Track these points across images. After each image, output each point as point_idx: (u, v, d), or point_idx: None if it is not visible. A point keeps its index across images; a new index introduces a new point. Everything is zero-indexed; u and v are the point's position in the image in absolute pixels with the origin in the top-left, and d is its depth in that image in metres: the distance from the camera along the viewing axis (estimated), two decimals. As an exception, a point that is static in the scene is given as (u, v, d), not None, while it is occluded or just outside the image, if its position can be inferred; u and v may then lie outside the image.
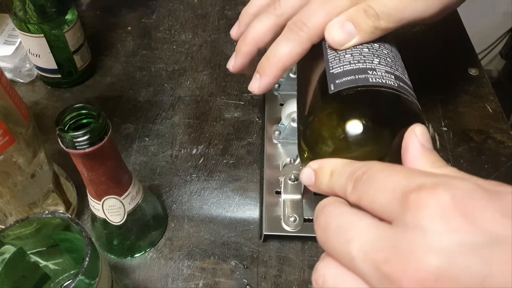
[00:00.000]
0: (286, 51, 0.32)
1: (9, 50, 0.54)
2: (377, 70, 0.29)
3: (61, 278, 0.36)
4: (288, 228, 0.40)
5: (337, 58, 0.31)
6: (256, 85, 0.34)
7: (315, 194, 0.41)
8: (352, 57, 0.31)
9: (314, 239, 0.31)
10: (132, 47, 0.60)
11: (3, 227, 0.35)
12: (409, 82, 0.31)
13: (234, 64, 0.37)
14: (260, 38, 0.35)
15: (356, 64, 0.30)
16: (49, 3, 0.47)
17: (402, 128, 0.25)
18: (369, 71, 0.29)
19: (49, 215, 0.29)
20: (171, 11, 0.65)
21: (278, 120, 0.47)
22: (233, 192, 0.45)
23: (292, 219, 0.40)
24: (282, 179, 0.42)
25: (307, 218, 0.40)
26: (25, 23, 0.48)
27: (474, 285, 0.16)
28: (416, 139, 0.23)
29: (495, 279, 0.16)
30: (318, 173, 0.25)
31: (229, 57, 0.56)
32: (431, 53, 0.58)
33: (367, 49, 0.31)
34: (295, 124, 0.43)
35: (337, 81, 0.29)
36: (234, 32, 0.39)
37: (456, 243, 0.17)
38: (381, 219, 0.20)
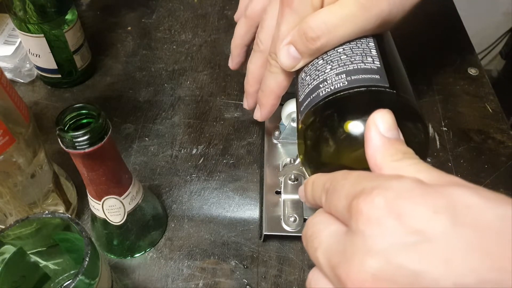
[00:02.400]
0: (273, 83, 0.36)
1: (9, 50, 0.54)
2: (328, 78, 0.30)
3: (61, 278, 0.36)
4: (288, 228, 0.40)
5: (301, 82, 0.33)
6: (258, 115, 0.39)
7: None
8: (310, 76, 0.32)
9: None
10: (132, 47, 0.60)
11: (3, 227, 0.35)
12: (376, 64, 0.30)
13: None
14: (258, 77, 0.39)
15: (312, 83, 0.31)
16: (49, 3, 0.47)
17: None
18: (320, 85, 0.30)
19: (49, 215, 0.29)
20: (171, 11, 0.65)
21: (278, 120, 0.47)
22: (233, 192, 0.45)
23: (292, 219, 0.40)
24: (282, 179, 0.42)
25: (307, 218, 0.40)
26: (25, 23, 0.48)
27: (409, 282, 0.17)
28: (374, 130, 0.23)
29: (428, 274, 0.16)
30: (305, 186, 0.27)
31: (229, 57, 0.56)
32: (431, 53, 0.58)
33: (322, 60, 0.32)
34: (295, 124, 0.43)
35: (301, 109, 0.31)
36: (230, 64, 0.44)
37: (389, 244, 0.17)
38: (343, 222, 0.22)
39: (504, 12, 1.29)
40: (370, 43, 0.32)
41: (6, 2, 0.47)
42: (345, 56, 0.30)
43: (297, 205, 0.41)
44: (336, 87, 0.29)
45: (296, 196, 0.41)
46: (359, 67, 0.30)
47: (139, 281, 0.39)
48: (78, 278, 0.26)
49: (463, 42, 0.60)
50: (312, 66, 0.32)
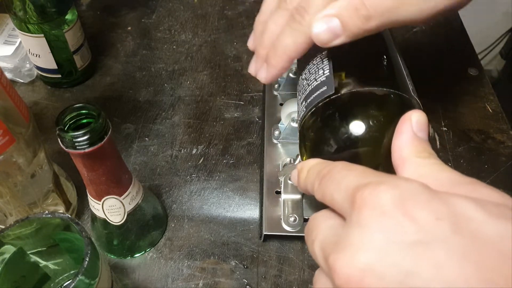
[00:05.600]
0: (291, 42, 0.31)
1: (9, 50, 0.54)
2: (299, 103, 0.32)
3: (61, 278, 0.36)
4: (288, 228, 0.40)
5: (300, 87, 0.33)
6: (263, 75, 0.34)
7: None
8: (307, 81, 0.32)
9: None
10: (132, 47, 0.60)
11: (3, 227, 0.35)
12: (326, 74, 0.32)
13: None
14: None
15: (307, 89, 0.32)
16: (49, 3, 0.47)
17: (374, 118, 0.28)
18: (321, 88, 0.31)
19: (49, 215, 0.29)
20: (171, 11, 0.65)
21: (278, 120, 0.47)
22: (233, 192, 0.45)
23: (292, 219, 0.40)
24: (282, 179, 0.42)
25: (307, 218, 0.40)
26: (25, 23, 0.48)
27: (398, 281, 0.17)
28: (410, 126, 0.23)
29: (418, 276, 0.16)
30: (299, 172, 0.27)
31: (229, 57, 0.56)
32: (431, 53, 0.58)
33: (315, 66, 0.33)
34: (295, 124, 0.43)
35: (301, 109, 0.32)
36: (251, 43, 0.37)
37: (387, 241, 0.17)
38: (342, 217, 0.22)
39: (504, 12, 1.29)
40: (323, 52, 0.33)
41: (6, 2, 0.47)
42: (306, 81, 0.33)
43: (297, 205, 0.41)
44: (301, 115, 0.31)
45: (296, 196, 0.41)
46: (312, 86, 0.31)
47: (139, 281, 0.39)
48: (78, 278, 0.26)
49: (463, 42, 0.60)
50: (309, 71, 0.33)
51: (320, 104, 0.31)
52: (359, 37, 0.29)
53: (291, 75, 0.50)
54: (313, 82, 0.33)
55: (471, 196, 0.18)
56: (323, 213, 0.23)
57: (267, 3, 0.35)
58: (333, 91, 0.30)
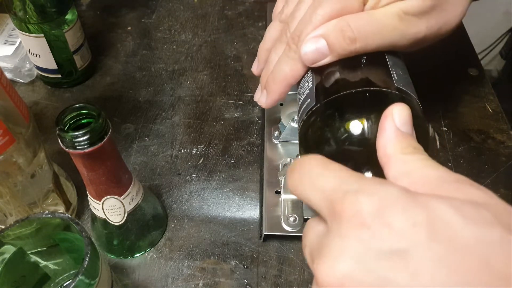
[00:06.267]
0: (288, 69, 0.33)
1: (9, 50, 0.54)
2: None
3: (61, 278, 0.36)
4: (288, 228, 0.40)
5: (301, 85, 0.34)
6: (263, 100, 0.36)
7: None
8: (299, 95, 0.33)
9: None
10: (132, 47, 0.60)
11: (3, 227, 0.35)
12: (309, 86, 0.32)
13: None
14: (272, 47, 0.36)
15: (300, 101, 0.33)
16: (49, 3, 0.47)
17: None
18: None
19: (49, 215, 0.29)
20: (171, 11, 0.65)
21: (278, 120, 0.47)
22: (233, 192, 0.45)
23: (292, 219, 0.40)
24: (282, 179, 0.42)
25: (307, 218, 0.40)
26: (25, 23, 0.48)
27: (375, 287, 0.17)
28: (390, 121, 0.23)
29: (395, 283, 0.17)
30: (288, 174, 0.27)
31: (229, 57, 0.56)
32: (431, 53, 0.58)
33: (304, 79, 0.33)
34: (295, 124, 0.43)
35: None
36: (255, 68, 0.40)
37: (365, 249, 0.18)
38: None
39: (504, 12, 1.29)
40: None
41: (6, 2, 0.47)
42: (298, 96, 0.33)
43: (297, 205, 0.41)
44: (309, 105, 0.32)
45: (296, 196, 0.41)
46: (301, 100, 0.32)
47: (139, 281, 0.39)
48: (78, 278, 0.26)
49: (463, 42, 0.60)
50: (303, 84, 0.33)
51: (305, 117, 0.32)
52: (346, 57, 0.30)
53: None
54: (301, 96, 0.33)
55: (455, 195, 0.18)
56: (313, 219, 0.23)
57: (269, 32, 0.37)
58: (315, 103, 0.31)
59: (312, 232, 0.22)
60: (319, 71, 0.33)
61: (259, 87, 0.37)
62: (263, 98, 0.36)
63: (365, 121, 0.28)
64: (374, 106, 0.28)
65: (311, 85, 0.32)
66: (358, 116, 0.28)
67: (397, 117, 0.23)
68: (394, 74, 0.30)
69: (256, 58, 0.39)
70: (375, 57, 0.31)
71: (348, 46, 0.29)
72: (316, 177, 0.21)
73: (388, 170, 0.22)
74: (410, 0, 0.29)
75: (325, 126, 0.29)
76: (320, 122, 0.30)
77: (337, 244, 0.19)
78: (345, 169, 0.21)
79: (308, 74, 0.34)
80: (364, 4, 0.30)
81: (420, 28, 0.30)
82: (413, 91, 0.31)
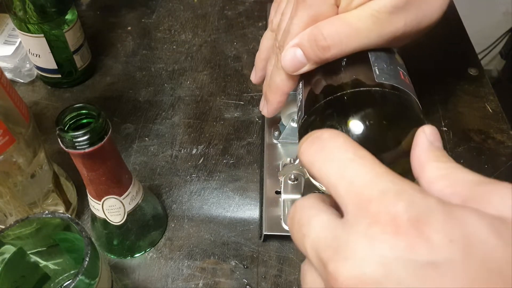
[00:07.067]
0: (279, 80, 0.35)
1: (9, 50, 0.54)
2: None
3: (61, 278, 0.36)
4: (288, 228, 0.40)
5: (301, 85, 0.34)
6: (265, 111, 0.39)
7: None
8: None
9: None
10: (132, 47, 0.60)
11: (3, 227, 0.35)
12: (300, 99, 0.33)
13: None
14: (266, 56, 0.38)
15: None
16: (49, 3, 0.47)
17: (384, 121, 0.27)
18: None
19: (49, 215, 0.29)
20: (171, 11, 0.65)
21: (278, 120, 0.47)
22: (233, 192, 0.45)
23: (292, 219, 0.40)
24: (282, 179, 0.42)
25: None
26: (25, 23, 0.48)
27: None
28: (425, 137, 0.23)
29: None
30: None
31: (229, 57, 0.56)
32: (431, 53, 0.58)
33: (297, 89, 0.34)
34: (295, 124, 0.43)
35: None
36: (253, 77, 0.42)
37: (396, 258, 0.17)
38: (335, 203, 0.20)
39: (504, 12, 1.29)
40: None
41: (6, 2, 0.47)
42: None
43: (297, 205, 0.41)
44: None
45: (296, 196, 0.41)
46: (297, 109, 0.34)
47: (139, 281, 0.39)
48: (78, 278, 0.26)
49: (463, 42, 0.60)
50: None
51: (299, 129, 0.32)
52: (323, 64, 0.31)
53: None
54: (297, 107, 0.34)
55: (490, 198, 0.18)
56: (312, 203, 0.21)
57: (263, 41, 0.39)
58: (303, 114, 0.31)
59: (317, 221, 0.20)
60: (306, 80, 0.34)
61: (263, 97, 0.40)
62: (264, 108, 0.39)
63: (344, 127, 0.28)
64: (352, 108, 0.28)
65: (300, 97, 0.33)
66: (338, 122, 0.28)
67: (429, 134, 0.23)
68: (376, 70, 0.30)
69: (254, 67, 0.42)
70: (356, 58, 0.31)
71: (323, 54, 0.30)
72: (346, 163, 0.20)
73: (422, 177, 0.21)
74: None
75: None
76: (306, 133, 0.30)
77: (365, 246, 0.18)
78: (380, 164, 0.20)
79: (299, 85, 0.34)
80: (338, 6, 0.30)
81: (397, 25, 0.29)
82: (401, 82, 0.30)
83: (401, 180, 0.19)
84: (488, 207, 0.18)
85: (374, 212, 0.18)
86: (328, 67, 0.31)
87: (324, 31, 0.30)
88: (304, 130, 0.31)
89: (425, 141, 0.23)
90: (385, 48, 0.32)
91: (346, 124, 0.28)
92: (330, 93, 0.30)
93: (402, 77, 0.31)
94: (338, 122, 0.28)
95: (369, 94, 0.28)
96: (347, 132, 0.28)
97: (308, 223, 0.20)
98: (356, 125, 0.27)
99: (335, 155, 0.20)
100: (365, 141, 0.27)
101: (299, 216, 0.21)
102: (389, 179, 0.19)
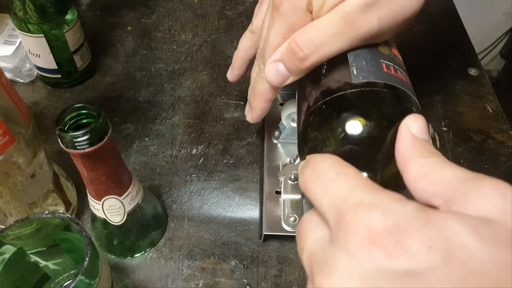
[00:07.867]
0: (262, 88, 0.35)
1: (9, 50, 0.54)
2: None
3: (61, 278, 0.36)
4: (288, 228, 0.40)
5: (300, 86, 0.34)
6: (249, 117, 0.39)
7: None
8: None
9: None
10: (132, 47, 0.60)
11: (3, 227, 0.35)
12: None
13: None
14: (244, 56, 0.40)
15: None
16: (49, 3, 0.47)
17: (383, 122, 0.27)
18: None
19: (49, 215, 0.29)
20: (171, 11, 0.65)
21: (278, 120, 0.47)
22: (233, 192, 0.45)
23: (292, 219, 0.40)
24: (282, 179, 0.42)
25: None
26: (25, 23, 0.48)
27: None
28: (407, 129, 0.23)
29: None
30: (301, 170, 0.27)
31: (229, 57, 0.56)
32: (431, 53, 0.58)
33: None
34: (295, 124, 0.43)
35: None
36: (229, 75, 0.43)
37: (375, 270, 0.17)
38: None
39: (504, 12, 1.29)
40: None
41: (6, 2, 0.47)
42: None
43: (297, 205, 0.41)
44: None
45: (296, 196, 0.41)
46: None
47: (139, 281, 0.39)
48: (78, 278, 0.26)
49: (463, 42, 0.60)
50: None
51: (298, 139, 0.33)
52: (306, 72, 0.31)
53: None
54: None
55: (473, 196, 0.18)
56: (312, 219, 0.22)
57: (242, 41, 0.40)
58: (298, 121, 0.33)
59: (312, 237, 0.21)
60: (298, 86, 0.35)
61: (247, 103, 0.40)
62: (248, 114, 0.39)
63: (326, 137, 0.28)
64: (331, 116, 0.28)
65: (296, 102, 0.34)
66: (320, 132, 0.28)
67: (412, 125, 0.23)
68: (354, 70, 0.29)
69: (231, 65, 0.42)
70: (335, 62, 0.31)
71: (302, 65, 0.31)
72: (329, 181, 0.21)
73: (407, 174, 0.21)
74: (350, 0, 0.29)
75: (301, 150, 0.31)
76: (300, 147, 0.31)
77: (344, 260, 0.18)
78: (361, 177, 0.20)
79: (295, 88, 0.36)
80: (311, 13, 0.30)
81: (371, 24, 0.29)
82: (384, 75, 0.29)
83: (379, 191, 0.19)
84: (470, 208, 0.18)
85: (350, 224, 0.18)
86: (312, 75, 0.32)
87: (299, 42, 0.30)
88: (299, 141, 0.32)
89: (408, 135, 0.22)
90: (367, 44, 0.31)
91: (328, 134, 0.28)
92: (313, 101, 0.31)
93: (385, 69, 0.30)
94: (320, 132, 0.29)
95: (345, 98, 0.28)
96: (333, 141, 0.28)
97: (306, 237, 0.21)
98: (337, 134, 0.28)
99: (321, 175, 0.21)
100: (351, 149, 0.27)
101: (302, 230, 0.22)
102: (365, 191, 0.19)
